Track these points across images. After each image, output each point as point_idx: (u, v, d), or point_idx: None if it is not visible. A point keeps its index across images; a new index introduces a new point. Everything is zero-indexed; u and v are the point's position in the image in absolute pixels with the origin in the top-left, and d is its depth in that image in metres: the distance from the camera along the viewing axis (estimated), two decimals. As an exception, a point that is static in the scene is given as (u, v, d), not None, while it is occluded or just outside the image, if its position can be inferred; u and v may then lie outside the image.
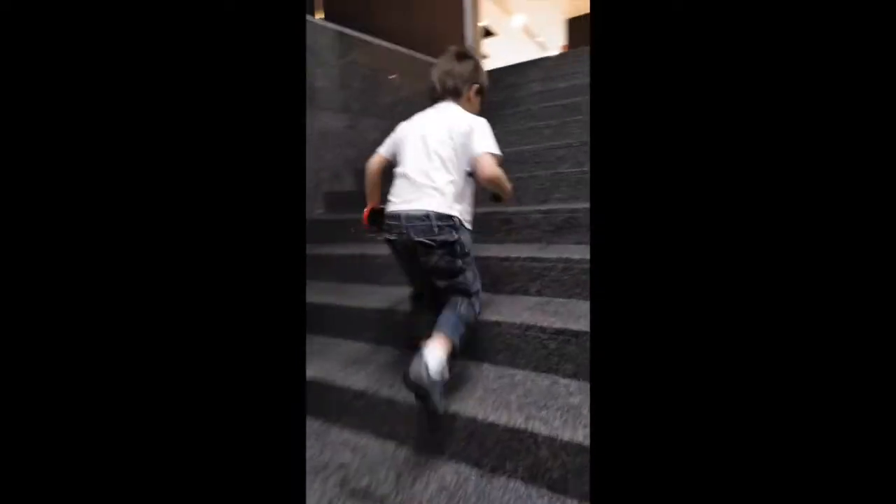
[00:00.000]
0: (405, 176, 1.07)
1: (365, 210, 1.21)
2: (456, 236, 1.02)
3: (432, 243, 1.00)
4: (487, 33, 5.87)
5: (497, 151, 1.05)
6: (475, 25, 4.11)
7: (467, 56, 1.18)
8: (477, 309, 1.09)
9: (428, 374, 0.87)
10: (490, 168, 1.02)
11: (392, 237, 1.06)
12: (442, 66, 1.16)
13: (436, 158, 1.04)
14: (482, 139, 1.04)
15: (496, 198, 1.15)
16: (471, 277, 1.09)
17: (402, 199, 1.05)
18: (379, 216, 1.15)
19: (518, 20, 5.49)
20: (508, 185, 1.10)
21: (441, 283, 1.10)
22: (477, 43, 4.10)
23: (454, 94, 1.14)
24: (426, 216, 1.00)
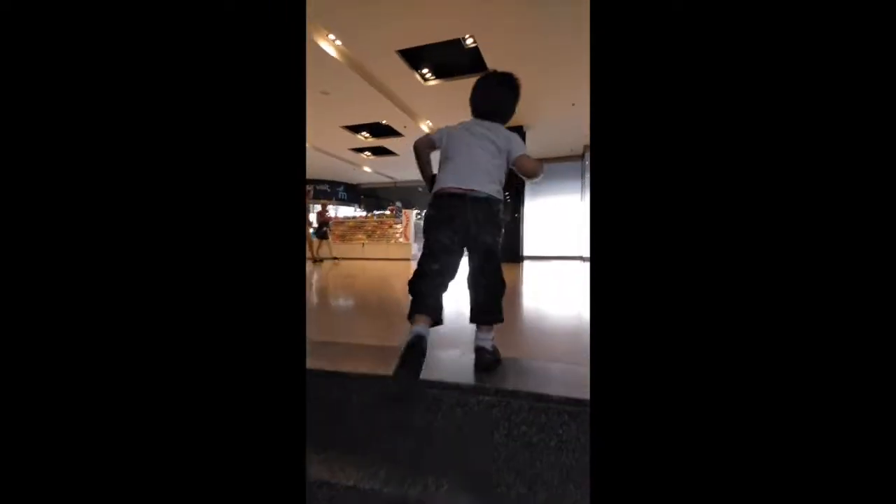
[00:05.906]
0: (466, 164, 1.24)
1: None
2: (502, 217, 1.27)
3: (491, 220, 1.22)
4: (393, 132, 6.24)
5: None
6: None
7: (506, 83, 1.32)
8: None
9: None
10: (530, 163, 1.28)
11: (453, 213, 1.22)
12: (482, 92, 1.32)
13: (489, 160, 1.25)
14: (519, 145, 1.28)
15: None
16: (499, 256, 1.27)
17: (464, 182, 1.22)
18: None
19: (425, 126, 5.99)
20: (539, 169, 1.32)
21: (477, 262, 1.25)
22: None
23: (491, 117, 1.31)
24: (487, 199, 1.22)
